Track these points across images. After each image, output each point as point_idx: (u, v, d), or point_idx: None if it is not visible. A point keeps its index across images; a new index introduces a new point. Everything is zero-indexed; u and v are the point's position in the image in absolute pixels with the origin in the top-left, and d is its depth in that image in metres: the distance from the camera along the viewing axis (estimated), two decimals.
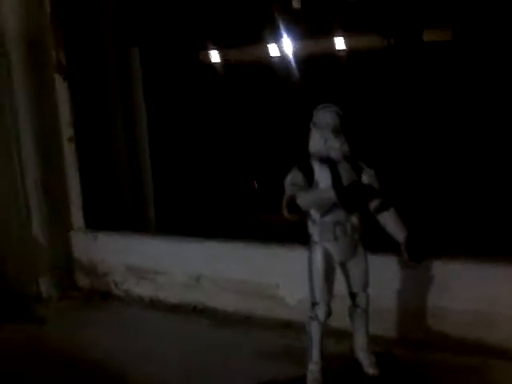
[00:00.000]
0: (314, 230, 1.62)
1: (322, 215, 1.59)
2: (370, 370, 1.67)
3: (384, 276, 1.99)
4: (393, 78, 5.18)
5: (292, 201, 1.52)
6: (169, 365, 1.96)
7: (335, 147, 1.58)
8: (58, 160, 2.82)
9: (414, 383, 1.67)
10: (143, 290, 2.64)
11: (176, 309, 2.51)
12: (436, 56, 4.98)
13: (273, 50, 6.40)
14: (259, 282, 2.34)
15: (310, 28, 5.70)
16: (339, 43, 6.30)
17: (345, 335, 1.82)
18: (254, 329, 2.24)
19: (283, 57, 6.04)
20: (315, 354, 1.63)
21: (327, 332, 1.66)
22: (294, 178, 1.58)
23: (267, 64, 6.27)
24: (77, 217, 2.87)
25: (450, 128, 4.59)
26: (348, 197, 1.52)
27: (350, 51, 6.06)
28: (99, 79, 2.95)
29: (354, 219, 1.61)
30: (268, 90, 5.73)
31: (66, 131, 2.80)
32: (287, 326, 2.20)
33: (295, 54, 5.75)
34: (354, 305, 1.69)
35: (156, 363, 1.99)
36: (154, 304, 2.60)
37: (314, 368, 1.62)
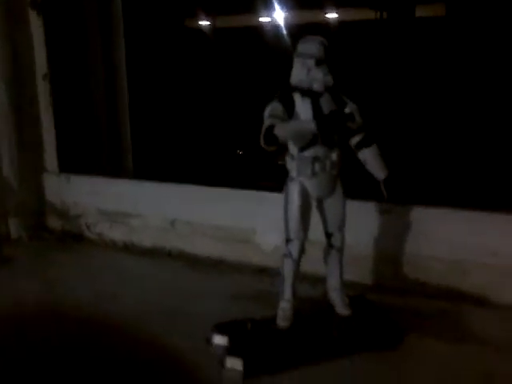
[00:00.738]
0: (291, 166, 1.56)
1: (301, 150, 1.53)
2: (343, 311, 1.64)
3: (361, 222, 1.95)
4: (383, 50, 5.23)
5: (270, 132, 1.45)
6: (138, 304, 1.90)
7: (318, 78, 1.50)
8: (32, 99, 2.69)
9: (386, 324, 1.64)
10: (116, 233, 2.56)
11: (150, 253, 2.44)
12: (428, 31, 5.06)
13: (262, 17, 6.29)
14: (235, 226, 2.28)
15: None
16: (331, 15, 6.25)
17: (320, 281, 1.78)
18: (229, 273, 2.19)
19: (271, 25, 5.94)
20: (287, 291, 1.58)
21: (302, 277, 1.63)
22: (273, 109, 1.50)
23: (255, 30, 6.18)
24: (50, 159, 2.76)
25: (438, 87, 4.69)
26: (328, 126, 1.45)
27: (342, 23, 6.04)
28: (77, 17, 2.80)
29: (334, 155, 1.54)
30: (260, 57, 5.68)
31: (41, 69, 2.67)
32: (262, 271, 2.15)
33: (284, 24, 5.67)
34: (330, 245, 1.64)
35: (122, 303, 1.92)
36: (128, 248, 2.52)
37: (285, 306, 1.58)
